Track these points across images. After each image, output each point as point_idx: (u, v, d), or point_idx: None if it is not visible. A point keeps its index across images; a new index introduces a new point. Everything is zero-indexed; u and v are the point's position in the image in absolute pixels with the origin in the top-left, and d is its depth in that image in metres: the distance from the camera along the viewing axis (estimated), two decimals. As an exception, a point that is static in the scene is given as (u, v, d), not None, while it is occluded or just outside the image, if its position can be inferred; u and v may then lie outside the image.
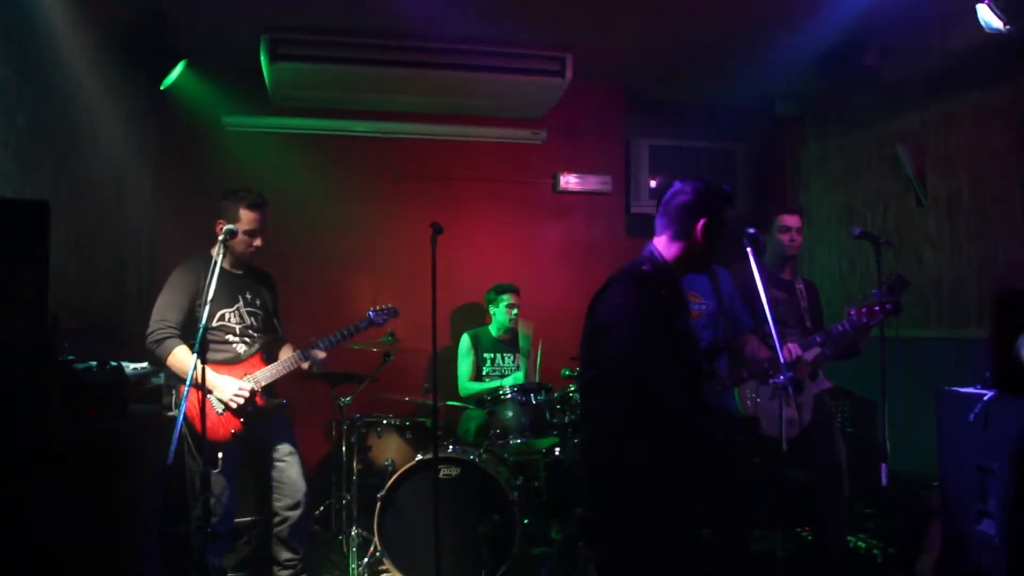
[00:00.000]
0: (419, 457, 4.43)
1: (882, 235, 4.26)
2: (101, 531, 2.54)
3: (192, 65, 5.13)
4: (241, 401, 3.94)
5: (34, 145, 3.74)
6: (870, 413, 5.23)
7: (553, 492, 4.93)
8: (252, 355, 4.12)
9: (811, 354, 4.18)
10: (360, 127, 6.07)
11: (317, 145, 6.02)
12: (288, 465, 4.16)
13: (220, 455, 3.90)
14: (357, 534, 4.50)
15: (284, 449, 4.17)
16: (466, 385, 5.47)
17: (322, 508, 5.11)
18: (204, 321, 3.41)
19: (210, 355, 3.82)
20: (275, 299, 4.35)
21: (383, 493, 4.36)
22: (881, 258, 4.07)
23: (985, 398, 3.60)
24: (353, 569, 4.41)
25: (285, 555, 4.17)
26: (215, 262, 3.59)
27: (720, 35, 5.26)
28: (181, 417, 3.28)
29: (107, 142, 4.72)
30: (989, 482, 3.58)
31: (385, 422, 4.92)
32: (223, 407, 3.94)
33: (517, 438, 4.63)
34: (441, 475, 4.27)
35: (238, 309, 4.12)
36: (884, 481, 3.90)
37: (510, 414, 4.65)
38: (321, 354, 4.20)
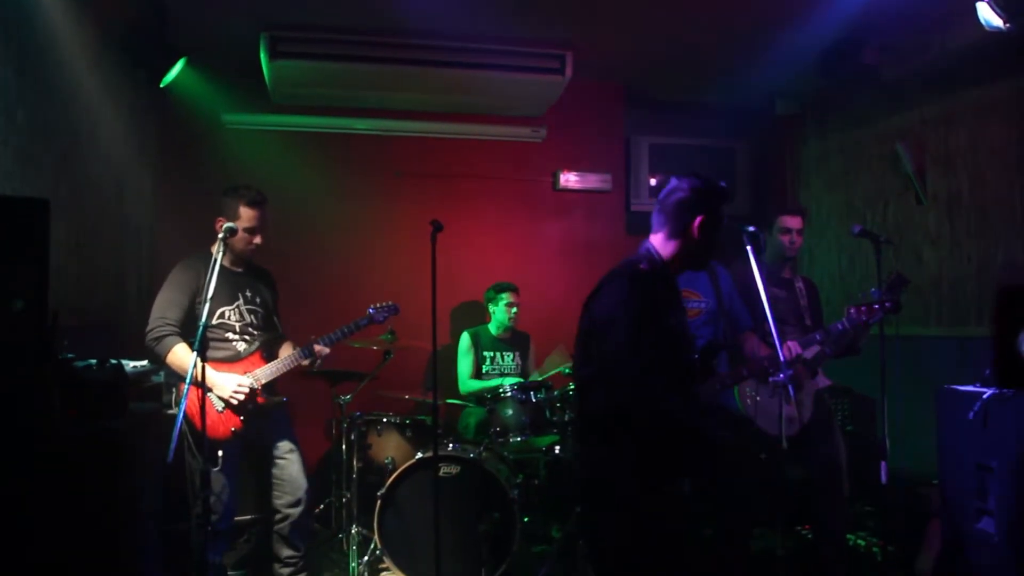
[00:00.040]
0: (419, 455, 4.43)
1: (882, 233, 4.26)
2: (101, 529, 2.54)
3: (192, 63, 5.13)
4: (241, 397, 3.94)
5: (34, 143, 3.74)
6: (870, 411, 5.24)
7: (553, 490, 4.93)
8: (252, 353, 4.13)
9: (811, 352, 4.18)
10: (360, 125, 6.07)
11: (317, 143, 6.02)
12: (289, 462, 4.16)
13: (220, 453, 3.90)
14: (357, 532, 4.50)
15: (285, 446, 4.17)
16: (466, 383, 5.47)
17: (322, 506, 5.11)
18: (204, 319, 3.41)
19: (210, 353, 3.82)
20: (275, 297, 4.35)
21: (383, 491, 4.36)
22: (881, 256, 4.07)
23: (985, 396, 3.59)
24: (353, 567, 4.41)
25: (286, 552, 4.17)
26: (215, 260, 3.59)
27: (720, 33, 5.26)
28: (181, 415, 3.28)
29: (107, 140, 4.71)
30: (989, 480, 3.58)
31: (385, 420, 4.92)
32: (223, 405, 3.94)
33: (517, 436, 4.62)
34: (441, 473, 4.27)
35: (238, 307, 4.12)
36: (884, 479, 3.90)
37: (510, 412, 4.65)
38: (325, 349, 4.20)
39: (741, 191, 6.70)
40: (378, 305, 4.48)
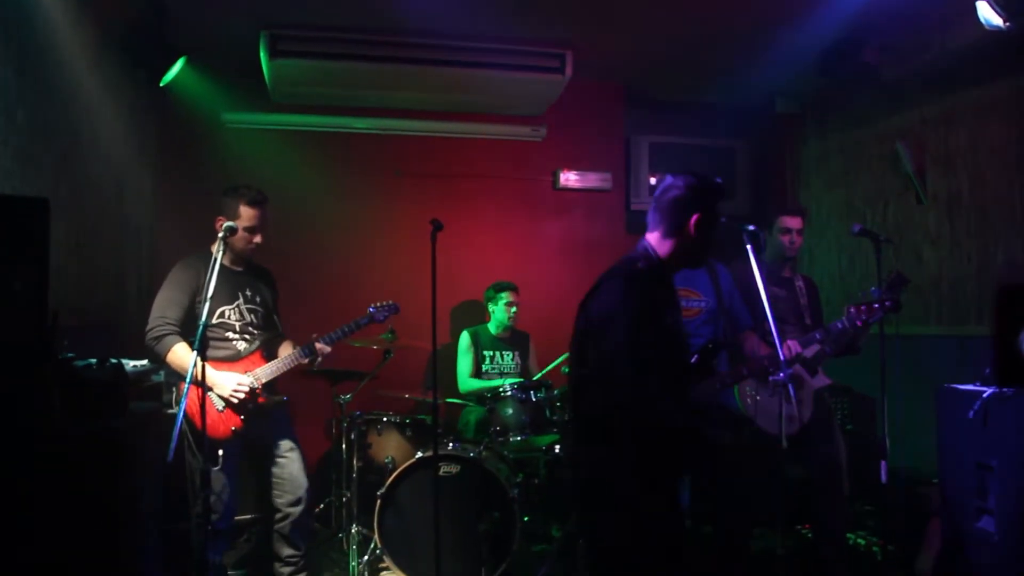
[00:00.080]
0: (419, 454, 4.43)
1: (882, 233, 4.26)
2: (101, 529, 2.53)
3: (192, 62, 5.13)
4: (242, 396, 3.94)
5: (34, 143, 3.74)
6: (870, 410, 5.24)
7: (553, 489, 4.93)
8: (252, 352, 4.13)
9: (811, 351, 4.18)
10: (360, 124, 6.07)
11: (317, 142, 6.01)
12: (289, 461, 4.16)
13: (220, 452, 3.90)
14: (357, 532, 4.50)
15: (285, 445, 4.17)
16: (466, 381, 5.47)
17: (322, 506, 5.11)
18: (204, 318, 3.41)
19: (210, 352, 3.82)
20: (275, 296, 4.35)
21: (383, 491, 4.36)
22: (881, 256, 4.08)
23: (985, 395, 3.59)
24: (353, 567, 4.41)
25: (287, 551, 4.17)
26: (215, 259, 3.59)
27: (720, 33, 5.26)
28: (181, 414, 3.28)
29: (107, 140, 4.71)
30: (989, 479, 3.58)
31: (385, 419, 4.92)
32: (223, 404, 3.95)
33: (517, 435, 4.62)
34: (441, 472, 4.27)
35: (238, 306, 4.12)
36: (884, 478, 3.91)
37: (510, 411, 4.65)
38: (327, 348, 4.20)
39: (741, 191, 6.70)
40: (378, 304, 4.48)
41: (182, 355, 3.86)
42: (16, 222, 2.45)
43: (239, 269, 4.18)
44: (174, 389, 3.95)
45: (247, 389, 3.95)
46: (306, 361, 4.18)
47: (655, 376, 2.68)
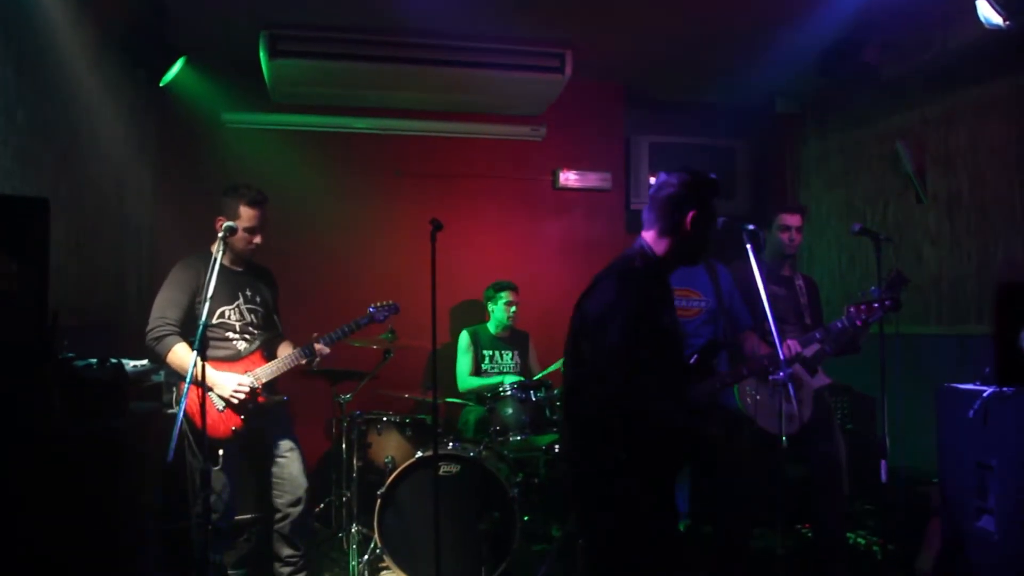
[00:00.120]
0: (419, 454, 4.43)
1: (882, 232, 4.26)
2: (100, 529, 2.54)
3: (191, 62, 5.12)
4: (242, 396, 3.94)
5: (34, 143, 3.74)
6: (870, 409, 5.24)
7: (553, 489, 4.93)
8: (253, 352, 4.13)
9: (811, 350, 4.18)
10: (360, 124, 6.07)
11: (317, 142, 6.01)
12: (289, 461, 4.16)
13: (221, 452, 3.91)
14: (357, 531, 4.50)
15: (285, 445, 4.17)
16: (466, 380, 5.47)
17: (322, 505, 5.11)
18: (204, 318, 3.41)
19: (210, 352, 3.82)
20: (275, 296, 4.35)
21: (383, 490, 4.36)
22: (881, 255, 4.07)
23: (985, 394, 3.60)
24: (353, 566, 4.41)
25: (286, 551, 4.17)
26: (215, 259, 3.59)
27: (720, 32, 5.26)
28: (181, 414, 3.28)
29: (107, 139, 4.71)
30: (989, 478, 3.59)
31: (385, 419, 4.92)
32: (223, 404, 3.95)
33: (517, 435, 4.62)
34: (441, 472, 4.27)
35: (238, 306, 4.12)
36: (884, 478, 3.91)
37: (510, 411, 4.65)
38: (325, 349, 4.20)
39: (741, 190, 6.70)
40: (378, 304, 4.48)
41: (182, 355, 3.86)
42: (16, 222, 2.45)
43: (239, 269, 4.18)
44: (174, 389, 3.95)
45: (247, 390, 3.96)
46: (304, 362, 4.18)
47: (651, 375, 2.67)
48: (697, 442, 2.85)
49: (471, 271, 5.90)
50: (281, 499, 4.15)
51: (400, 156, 6.16)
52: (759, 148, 6.86)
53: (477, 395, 5.25)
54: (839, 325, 4.07)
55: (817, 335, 4.16)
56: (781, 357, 3.29)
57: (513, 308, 5.52)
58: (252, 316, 4.16)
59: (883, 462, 3.90)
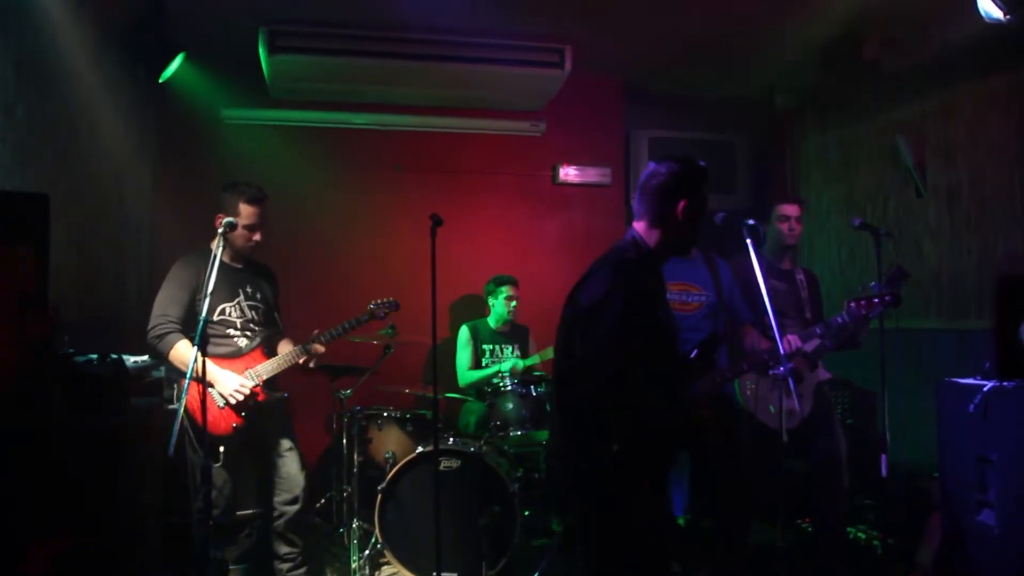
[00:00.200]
0: (420, 449, 4.44)
1: (882, 226, 4.26)
2: (101, 524, 2.54)
3: (191, 58, 5.11)
4: (240, 398, 3.94)
5: (33, 139, 3.74)
6: (870, 404, 5.24)
7: (553, 484, 4.93)
8: (253, 349, 4.13)
9: (811, 345, 4.19)
10: (359, 120, 6.06)
11: (316, 138, 6.01)
12: (287, 460, 4.17)
13: (221, 448, 3.91)
14: (358, 526, 4.51)
15: (284, 444, 4.18)
16: (465, 375, 5.47)
17: (323, 501, 5.11)
18: (204, 314, 3.41)
19: (211, 349, 3.82)
20: (276, 292, 4.35)
21: (384, 485, 4.37)
22: (881, 249, 4.07)
23: (985, 389, 3.60)
24: (354, 561, 4.42)
25: (284, 549, 4.18)
26: (215, 256, 3.59)
27: (720, 26, 5.25)
28: (181, 410, 3.28)
29: (106, 136, 4.71)
30: (989, 473, 3.59)
31: (386, 415, 4.93)
32: (224, 401, 3.95)
33: (517, 430, 4.63)
34: (442, 467, 4.28)
35: (239, 303, 4.12)
36: (884, 472, 3.91)
37: (510, 406, 4.66)
38: (321, 348, 4.20)
39: (741, 185, 6.70)
40: (379, 301, 4.48)
41: (184, 352, 3.86)
42: (17, 218, 2.45)
43: (239, 266, 4.18)
44: (175, 385, 3.95)
45: (247, 392, 3.95)
46: (301, 361, 4.17)
47: (645, 367, 2.64)
48: (690, 432, 2.83)
49: (471, 266, 5.90)
50: (278, 497, 4.16)
51: (400, 152, 6.15)
52: (759, 143, 6.86)
53: (477, 390, 5.25)
54: (839, 320, 4.07)
55: (817, 330, 4.16)
56: (781, 352, 3.30)
57: (513, 303, 5.52)
58: (253, 313, 4.16)
59: (883, 457, 3.91)
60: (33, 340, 2.44)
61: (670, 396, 2.77)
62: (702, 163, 2.89)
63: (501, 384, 4.74)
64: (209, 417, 3.48)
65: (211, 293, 3.47)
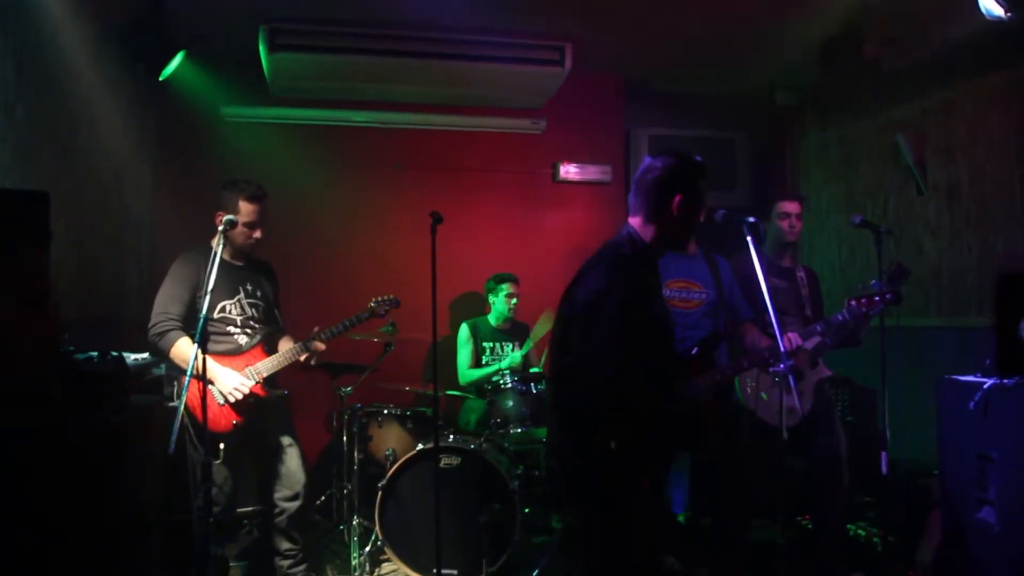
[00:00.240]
0: (420, 447, 4.44)
1: (882, 224, 4.25)
2: (101, 522, 2.54)
3: (191, 56, 5.10)
4: (240, 396, 3.94)
5: (33, 138, 3.74)
6: (870, 402, 5.24)
7: (553, 481, 4.94)
8: (254, 346, 4.13)
9: (811, 343, 4.18)
10: (359, 117, 6.06)
11: (316, 136, 6.01)
12: (288, 457, 4.17)
13: (222, 446, 3.91)
14: (358, 524, 4.51)
15: (284, 441, 4.18)
16: (465, 373, 5.47)
17: (323, 498, 5.12)
18: (204, 311, 3.41)
19: (211, 346, 3.83)
20: (276, 290, 4.35)
21: (384, 483, 4.37)
22: (881, 247, 4.06)
23: (985, 386, 3.60)
24: (354, 558, 4.43)
25: (285, 545, 4.19)
26: (215, 253, 3.59)
27: (720, 24, 5.25)
28: (181, 407, 3.28)
29: (106, 134, 4.71)
30: (989, 470, 3.59)
31: (386, 412, 4.93)
32: (224, 399, 3.95)
33: (518, 427, 4.63)
34: (442, 464, 4.28)
35: (239, 300, 4.12)
36: (884, 470, 3.91)
37: (511, 403, 4.66)
38: (321, 346, 4.20)
39: (741, 183, 6.69)
40: (379, 299, 4.48)
41: (185, 350, 3.86)
42: (17, 216, 2.45)
43: (239, 264, 4.18)
44: (175, 382, 3.95)
45: (246, 391, 3.95)
46: (302, 358, 4.17)
47: (641, 363, 2.63)
48: (691, 430, 2.83)
49: (471, 264, 5.90)
50: (278, 494, 4.16)
51: (400, 149, 6.15)
52: (759, 140, 6.86)
53: (477, 387, 5.25)
54: (840, 318, 4.07)
55: (818, 328, 4.16)
56: (782, 349, 3.30)
57: (514, 300, 5.52)
58: (253, 310, 4.16)
59: (883, 454, 3.90)
60: (35, 339, 2.44)
61: (668, 393, 2.76)
62: (698, 158, 2.86)
63: (501, 381, 4.74)
64: (209, 414, 3.48)
65: (211, 290, 3.48)
